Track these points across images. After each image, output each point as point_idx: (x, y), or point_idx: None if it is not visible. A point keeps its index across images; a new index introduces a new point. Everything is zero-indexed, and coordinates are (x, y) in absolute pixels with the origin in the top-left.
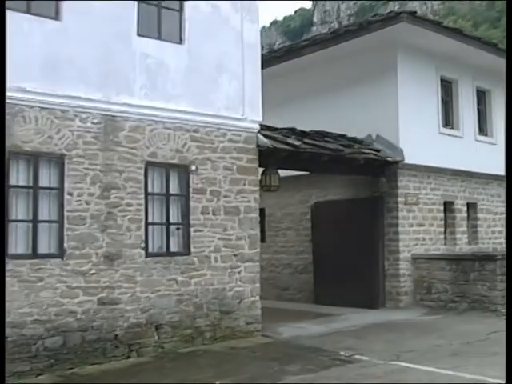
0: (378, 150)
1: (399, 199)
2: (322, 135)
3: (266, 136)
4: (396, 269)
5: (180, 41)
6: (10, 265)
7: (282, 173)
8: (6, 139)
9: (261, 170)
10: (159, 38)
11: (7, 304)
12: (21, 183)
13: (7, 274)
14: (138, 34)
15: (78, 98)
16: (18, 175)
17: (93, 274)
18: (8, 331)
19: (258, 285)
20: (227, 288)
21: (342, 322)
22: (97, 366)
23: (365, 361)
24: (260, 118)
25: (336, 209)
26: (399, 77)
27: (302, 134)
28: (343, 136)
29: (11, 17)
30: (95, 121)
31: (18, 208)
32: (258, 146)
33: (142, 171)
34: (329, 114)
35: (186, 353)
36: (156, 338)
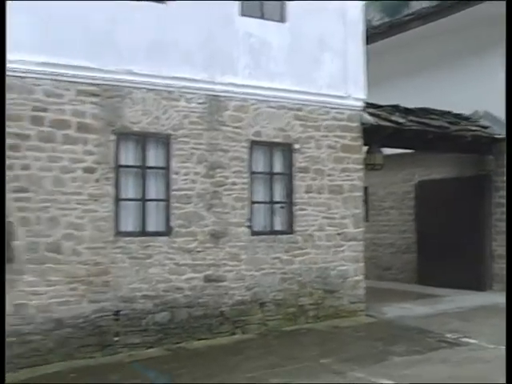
0: (485, 127)
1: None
2: (426, 112)
3: (369, 114)
4: (504, 250)
5: (282, 19)
6: (120, 242)
7: (386, 151)
8: (116, 120)
9: (365, 148)
10: (262, 17)
11: (119, 279)
12: (130, 163)
13: (118, 250)
14: (241, 14)
15: (184, 78)
16: (127, 155)
17: (199, 251)
18: (120, 305)
19: (361, 264)
20: (331, 267)
21: (448, 304)
22: (203, 341)
23: (473, 344)
24: (364, 96)
25: (441, 187)
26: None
27: (406, 111)
28: (448, 113)
29: (119, 4)
30: (200, 101)
31: (127, 187)
32: (361, 123)
33: (247, 150)
34: (431, 90)
35: (289, 331)
36: (260, 315)
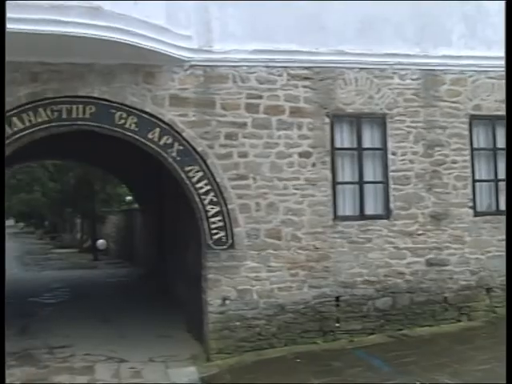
0: None
1: None
2: None
3: None
4: None
5: None
6: (339, 226)
7: None
8: (329, 103)
9: None
10: None
11: (339, 265)
12: (345, 145)
13: (337, 235)
14: None
15: (396, 55)
16: (341, 137)
17: (420, 234)
18: (340, 291)
19: None
20: None
21: None
22: (426, 328)
23: None
24: None
25: None
26: None
27: None
28: None
29: None
30: (414, 77)
31: (344, 170)
32: None
33: (466, 126)
34: None
35: None
36: (487, 301)
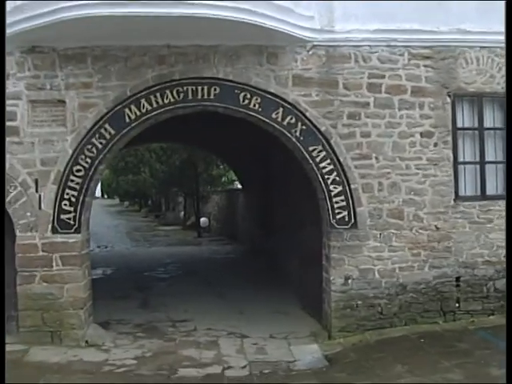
0: None
1: None
2: None
3: None
4: None
5: None
6: (460, 207)
7: None
8: (450, 82)
9: None
10: None
11: (460, 245)
12: (466, 125)
13: (458, 215)
14: None
15: None
16: (463, 117)
17: None
18: (461, 271)
19: None
20: None
21: None
22: None
23: None
24: None
25: None
26: None
27: None
28: None
29: None
30: None
31: (465, 150)
32: None
33: None
34: None
35: None
36: None
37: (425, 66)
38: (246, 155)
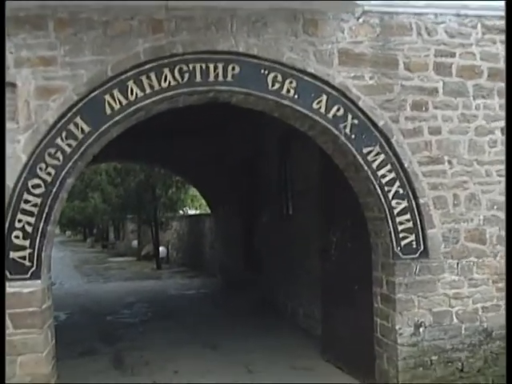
0: None
1: None
2: None
3: None
4: None
5: None
6: None
7: None
8: None
9: None
10: None
11: None
12: None
13: None
14: None
15: None
16: None
17: None
18: None
19: None
20: None
21: None
22: None
23: None
24: None
25: None
26: None
27: None
28: None
29: None
30: None
31: None
32: None
33: None
34: None
35: None
36: None
37: (502, 42)
38: (217, 173)
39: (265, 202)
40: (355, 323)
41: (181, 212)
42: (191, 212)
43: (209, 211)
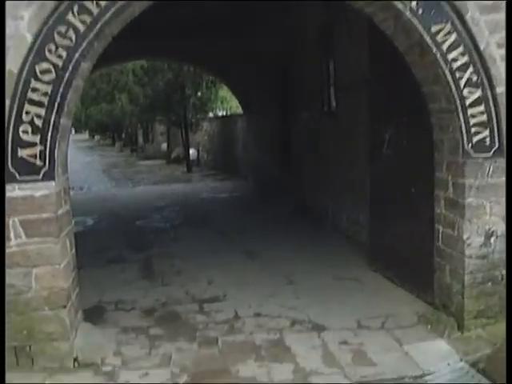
0: None
1: None
2: None
3: None
4: None
5: None
6: None
7: None
8: None
9: None
10: None
11: None
12: None
13: None
14: None
15: None
16: None
17: None
18: None
19: None
20: None
21: None
22: None
23: None
24: None
25: None
26: None
27: None
28: None
29: None
30: None
31: None
32: None
33: None
34: None
35: None
36: None
37: None
38: (251, 71)
39: (303, 100)
40: (410, 230)
41: (211, 114)
42: (221, 114)
43: (240, 112)
